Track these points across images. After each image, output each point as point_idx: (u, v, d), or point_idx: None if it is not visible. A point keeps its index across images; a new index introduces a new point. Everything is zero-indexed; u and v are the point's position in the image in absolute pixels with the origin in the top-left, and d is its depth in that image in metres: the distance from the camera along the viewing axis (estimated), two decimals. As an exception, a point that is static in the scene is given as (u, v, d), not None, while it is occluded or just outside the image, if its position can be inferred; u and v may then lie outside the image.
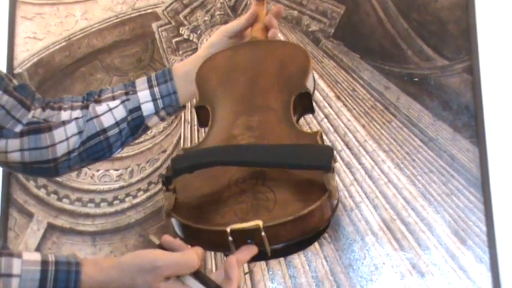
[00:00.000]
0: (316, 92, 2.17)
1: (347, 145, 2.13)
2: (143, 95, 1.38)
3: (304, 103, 1.21)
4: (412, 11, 2.19)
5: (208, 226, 1.04)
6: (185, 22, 2.29)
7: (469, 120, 2.11)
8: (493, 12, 2.15)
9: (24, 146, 1.37)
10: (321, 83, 2.18)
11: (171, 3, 2.31)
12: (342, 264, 2.07)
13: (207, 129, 1.21)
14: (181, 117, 2.20)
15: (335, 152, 1.11)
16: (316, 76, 2.17)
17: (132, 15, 2.31)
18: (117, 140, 1.39)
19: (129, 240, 2.18)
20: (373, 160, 2.12)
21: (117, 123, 1.37)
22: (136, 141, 2.22)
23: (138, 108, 1.38)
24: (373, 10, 2.20)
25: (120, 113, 1.37)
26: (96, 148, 1.38)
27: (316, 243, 2.07)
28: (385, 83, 2.16)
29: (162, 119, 1.42)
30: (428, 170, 2.10)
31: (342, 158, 2.13)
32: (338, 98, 2.17)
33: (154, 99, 1.38)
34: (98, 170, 2.24)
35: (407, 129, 2.13)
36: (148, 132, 2.21)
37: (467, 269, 2.03)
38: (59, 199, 2.23)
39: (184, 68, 1.39)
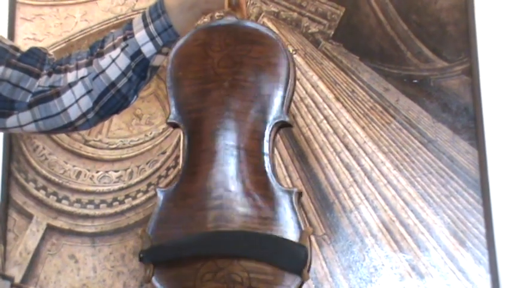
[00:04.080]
0: (315, 93, 2.17)
1: (346, 146, 2.13)
2: (140, 36, 1.35)
3: (282, 124, 1.18)
4: (412, 12, 2.19)
5: None
6: (185, 23, 2.28)
7: (468, 122, 2.11)
8: (492, 14, 2.14)
9: (36, 116, 1.36)
10: (321, 85, 2.18)
11: (171, 4, 2.30)
12: (341, 266, 2.07)
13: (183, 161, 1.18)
14: (180, 119, 2.20)
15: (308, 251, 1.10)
16: (316, 78, 2.17)
17: (132, 16, 2.31)
18: (130, 88, 1.37)
19: (129, 242, 2.18)
20: (372, 161, 2.12)
21: (123, 73, 1.35)
22: (136, 143, 2.23)
23: (139, 52, 1.35)
24: (372, 12, 2.21)
25: (123, 61, 1.35)
26: (111, 103, 1.37)
27: (315, 245, 2.07)
28: (385, 85, 2.16)
29: (168, 54, 1.35)
30: (427, 171, 2.10)
31: (341, 160, 2.13)
32: (337, 99, 2.17)
33: (152, 38, 1.34)
34: (97, 172, 2.24)
35: (407, 130, 2.13)
36: (148, 133, 2.23)
37: (467, 271, 2.03)
38: (58, 200, 2.23)
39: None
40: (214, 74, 1.20)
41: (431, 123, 2.12)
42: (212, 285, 1.06)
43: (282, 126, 1.18)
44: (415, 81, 2.15)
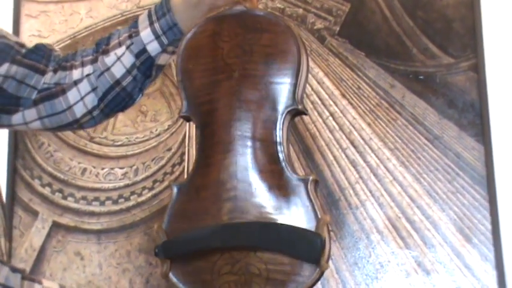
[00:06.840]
0: (321, 90, 2.16)
1: (352, 143, 2.13)
2: (145, 34, 1.34)
3: (295, 112, 1.17)
4: (418, 8, 2.19)
5: None
6: (190, 20, 2.28)
7: (475, 118, 2.11)
8: (499, 10, 2.14)
9: (41, 113, 1.36)
10: (326, 81, 2.17)
11: (176, 1, 2.30)
12: (347, 263, 2.07)
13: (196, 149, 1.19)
14: (186, 116, 2.20)
15: (325, 232, 1.07)
16: (322, 74, 2.17)
17: (137, 13, 2.31)
18: (134, 87, 1.36)
19: (134, 239, 2.18)
20: (378, 158, 2.12)
21: (128, 71, 1.35)
22: (141, 140, 2.23)
23: (144, 51, 1.34)
24: (378, 8, 2.20)
25: (128, 59, 1.34)
26: (116, 101, 1.37)
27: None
28: (391, 81, 2.16)
29: (173, 53, 1.37)
30: (433, 168, 2.09)
31: (347, 156, 2.13)
32: (343, 96, 2.17)
33: (157, 37, 1.34)
34: (102, 169, 2.24)
35: (413, 127, 2.12)
36: (153, 130, 2.22)
37: (473, 267, 2.03)
38: (64, 197, 2.23)
39: None
40: (224, 64, 1.19)
41: (437, 120, 2.12)
42: (230, 278, 1.05)
43: (295, 114, 1.17)
44: (421, 77, 2.15)
